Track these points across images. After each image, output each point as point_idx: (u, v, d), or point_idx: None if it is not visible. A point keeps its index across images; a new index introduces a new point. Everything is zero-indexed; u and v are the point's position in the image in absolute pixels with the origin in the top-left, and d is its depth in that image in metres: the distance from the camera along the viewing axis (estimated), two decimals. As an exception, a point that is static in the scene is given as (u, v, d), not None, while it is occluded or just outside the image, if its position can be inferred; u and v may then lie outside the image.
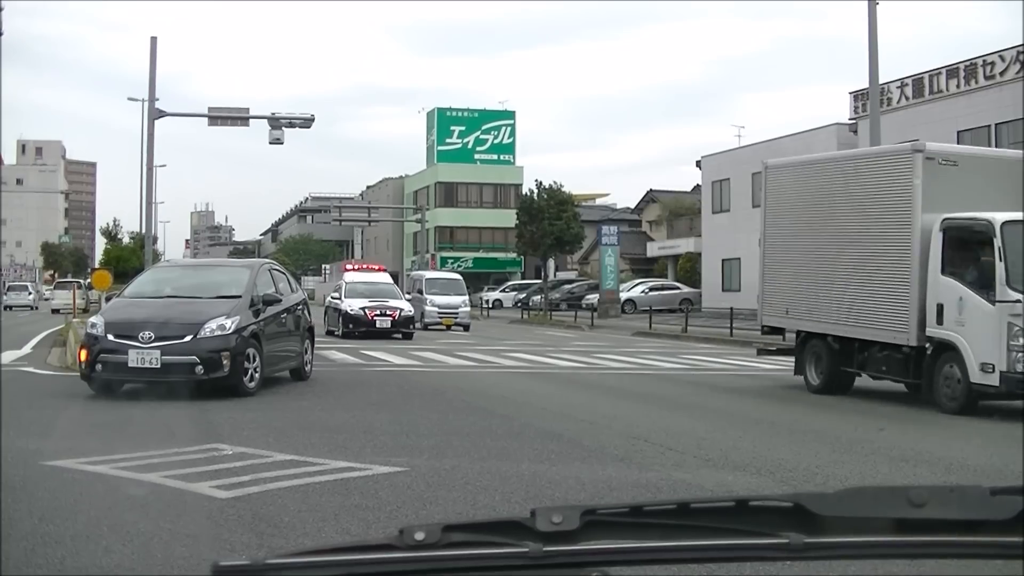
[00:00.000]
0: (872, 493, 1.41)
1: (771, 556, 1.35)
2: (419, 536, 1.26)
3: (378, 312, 27.25)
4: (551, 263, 54.49)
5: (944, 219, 11.68)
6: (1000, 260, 10.74)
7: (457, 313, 34.99)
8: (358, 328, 27.05)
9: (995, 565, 1.48)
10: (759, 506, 1.37)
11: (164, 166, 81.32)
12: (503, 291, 61.36)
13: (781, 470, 7.84)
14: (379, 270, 33.48)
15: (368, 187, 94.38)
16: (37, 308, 53.24)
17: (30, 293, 55.38)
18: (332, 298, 29.83)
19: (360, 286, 29.14)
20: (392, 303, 28.08)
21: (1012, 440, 9.45)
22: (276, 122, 30.47)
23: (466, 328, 34.24)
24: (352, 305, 27.64)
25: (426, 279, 37.32)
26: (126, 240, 74.18)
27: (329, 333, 28.13)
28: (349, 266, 35.52)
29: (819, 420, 11.00)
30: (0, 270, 30.16)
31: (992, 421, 11.02)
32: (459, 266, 72.11)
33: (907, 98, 37.59)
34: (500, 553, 1.27)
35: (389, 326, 27.21)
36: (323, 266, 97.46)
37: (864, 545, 1.37)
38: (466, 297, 36.50)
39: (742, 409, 12.01)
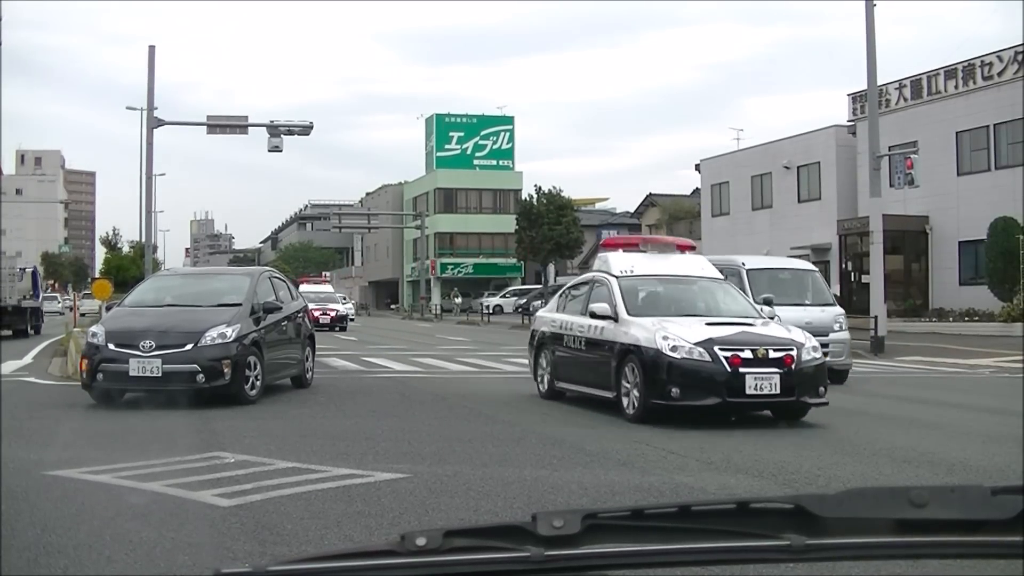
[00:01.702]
0: (873, 494, 1.41)
1: (772, 558, 1.35)
2: (420, 542, 1.26)
3: (750, 355, 10.67)
4: (551, 268, 54.53)
5: None
6: None
7: (827, 344, 14.79)
8: (704, 392, 10.62)
9: (997, 565, 1.48)
10: (760, 508, 1.37)
11: (163, 175, 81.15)
12: (503, 296, 61.42)
13: (783, 472, 7.84)
14: (684, 247, 14.06)
15: (367, 194, 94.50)
16: (64, 314, 59.71)
17: (59, 302, 66.04)
18: (592, 313, 12.11)
19: (655, 286, 12.75)
20: (764, 331, 11.28)
21: (1012, 440, 9.45)
22: (275, 130, 30.49)
23: (842, 377, 15.95)
24: (678, 339, 10.79)
25: (748, 271, 17.37)
26: (126, 249, 74.49)
27: (554, 395, 13.02)
28: (613, 242, 14.54)
29: (820, 422, 10.99)
30: (0, 279, 30.87)
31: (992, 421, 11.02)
32: (459, 272, 72.30)
33: (905, 99, 37.63)
34: (501, 558, 1.27)
35: (776, 392, 10.61)
36: (323, 273, 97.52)
37: (865, 546, 1.37)
38: (837, 311, 17.56)
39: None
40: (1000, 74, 33.83)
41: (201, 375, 12.01)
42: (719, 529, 1.33)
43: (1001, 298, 30.69)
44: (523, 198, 55.55)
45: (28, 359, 21.24)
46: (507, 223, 60.37)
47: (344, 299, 48.27)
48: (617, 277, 12.32)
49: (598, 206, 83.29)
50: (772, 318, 12.18)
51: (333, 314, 39.02)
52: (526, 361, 20.84)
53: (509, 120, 77.25)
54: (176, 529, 5.81)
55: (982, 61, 34.64)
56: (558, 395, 12.92)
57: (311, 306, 34.77)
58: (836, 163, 40.88)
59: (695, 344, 10.60)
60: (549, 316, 13.78)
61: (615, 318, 11.60)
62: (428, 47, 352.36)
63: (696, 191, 58.97)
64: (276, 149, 30.52)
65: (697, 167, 52.50)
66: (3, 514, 6.04)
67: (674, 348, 10.61)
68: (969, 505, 1.36)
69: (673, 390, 10.45)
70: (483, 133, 76.04)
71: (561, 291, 14.20)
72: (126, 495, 6.74)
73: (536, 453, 8.71)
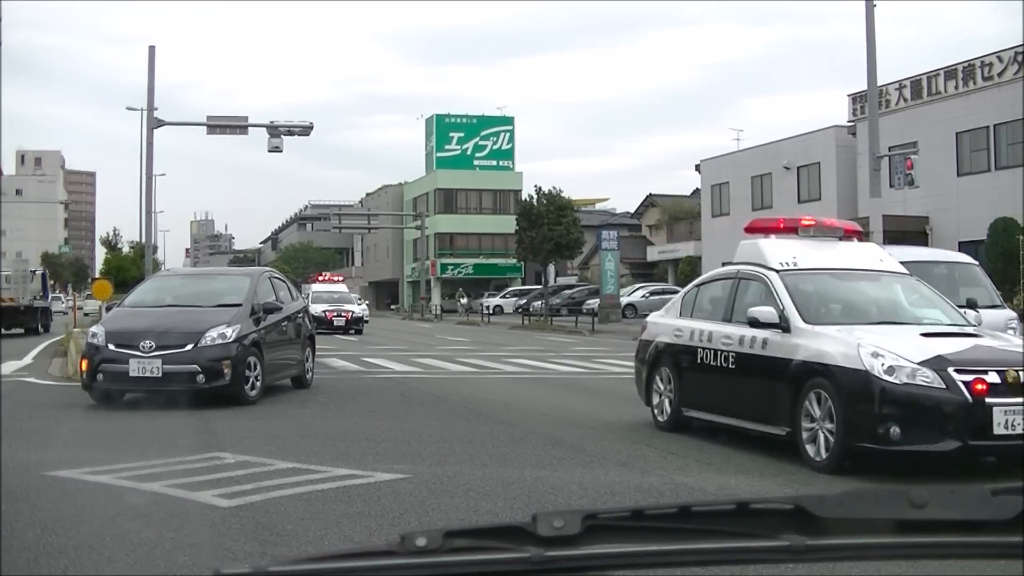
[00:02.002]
0: (873, 494, 1.41)
1: (772, 558, 1.35)
2: (421, 542, 1.26)
3: (997, 379, 7.58)
4: (551, 268, 54.54)
5: None
6: None
7: None
8: (936, 432, 7.59)
9: (997, 565, 1.48)
10: (760, 509, 1.37)
11: (163, 175, 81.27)
12: (503, 297, 61.40)
13: (783, 473, 7.85)
14: (851, 232, 10.67)
15: (367, 194, 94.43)
16: (68, 314, 60.85)
17: (63, 302, 66.92)
18: (752, 320, 8.90)
19: (828, 284, 9.56)
20: (1002, 345, 8.43)
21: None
22: (275, 130, 30.48)
23: None
24: (894, 356, 7.74)
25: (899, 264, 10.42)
26: (126, 250, 74.42)
27: (678, 425, 10.08)
28: (761, 225, 11.43)
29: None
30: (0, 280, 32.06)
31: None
32: (459, 272, 72.30)
33: (905, 100, 37.61)
34: (502, 559, 1.27)
35: None
36: (324, 274, 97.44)
37: (865, 546, 1.37)
38: (1009, 314, 15.04)
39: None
40: (1000, 74, 33.81)
41: (201, 375, 12.02)
42: (719, 530, 1.33)
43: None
44: (523, 198, 55.50)
45: (28, 359, 21.23)
46: (507, 223, 60.30)
47: (359, 299, 44.48)
48: (778, 271, 9.24)
49: (598, 206, 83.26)
50: (978, 325, 9.20)
51: (348, 316, 35.76)
52: (528, 362, 20.99)
53: (509, 120, 77.21)
54: (176, 529, 5.81)
55: (982, 61, 34.62)
56: (683, 426, 9.94)
57: (324, 307, 34.35)
58: (836, 163, 40.86)
59: (920, 364, 7.61)
60: (670, 323, 10.57)
61: (785, 326, 8.62)
62: (428, 47, 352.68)
63: (696, 191, 58.95)
64: (276, 149, 30.50)
65: (697, 167, 52.48)
66: (3, 514, 6.04)
67: (890, 369, 7.61)
68: (969, 505, 1.36)
69: (892, 429, 7.47)
70: (483, 133, 75.99)
71: (685, 290, 11.28)
72: (126, 495, 6.75)
73: (536, 453, 8.72)
